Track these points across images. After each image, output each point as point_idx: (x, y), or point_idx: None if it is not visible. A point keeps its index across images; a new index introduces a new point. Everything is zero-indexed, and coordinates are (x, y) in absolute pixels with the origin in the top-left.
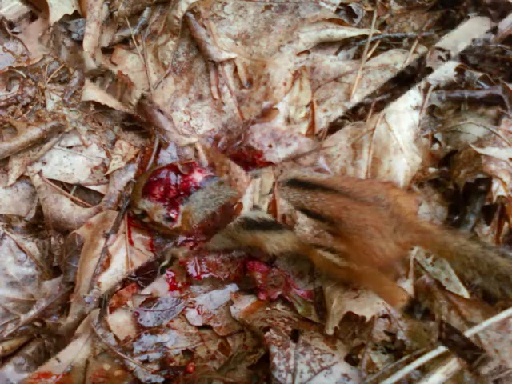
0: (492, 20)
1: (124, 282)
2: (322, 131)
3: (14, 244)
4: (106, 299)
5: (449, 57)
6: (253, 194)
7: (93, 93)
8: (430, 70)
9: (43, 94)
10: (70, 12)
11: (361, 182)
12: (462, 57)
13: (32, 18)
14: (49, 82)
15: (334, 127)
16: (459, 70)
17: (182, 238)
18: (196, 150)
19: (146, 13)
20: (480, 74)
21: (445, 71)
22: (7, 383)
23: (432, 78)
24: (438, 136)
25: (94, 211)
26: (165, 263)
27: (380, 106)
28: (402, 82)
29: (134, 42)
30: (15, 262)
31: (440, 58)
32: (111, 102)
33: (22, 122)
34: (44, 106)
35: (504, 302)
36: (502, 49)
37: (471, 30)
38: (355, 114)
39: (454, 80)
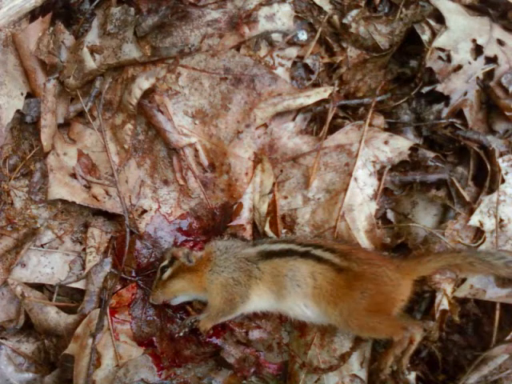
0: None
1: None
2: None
3: (11, 350)
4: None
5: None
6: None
7: (58, 190)
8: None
9: (9, 195)
10: (21, 106)
11: None
12: (417, 127)
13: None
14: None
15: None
16: (413, 149)
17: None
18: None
19: (98, 83)
20: (433, 155)
21: (399, 152)
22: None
23: (386, 160)
24: (391, 216)
25: (79, 317)
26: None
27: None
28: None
29: (89, 117)
30: (15, 369)
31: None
32: (79, 197)
33: None
34: (12, 204)
35: None
36: (453, 124)
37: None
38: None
39: (407, 160)
